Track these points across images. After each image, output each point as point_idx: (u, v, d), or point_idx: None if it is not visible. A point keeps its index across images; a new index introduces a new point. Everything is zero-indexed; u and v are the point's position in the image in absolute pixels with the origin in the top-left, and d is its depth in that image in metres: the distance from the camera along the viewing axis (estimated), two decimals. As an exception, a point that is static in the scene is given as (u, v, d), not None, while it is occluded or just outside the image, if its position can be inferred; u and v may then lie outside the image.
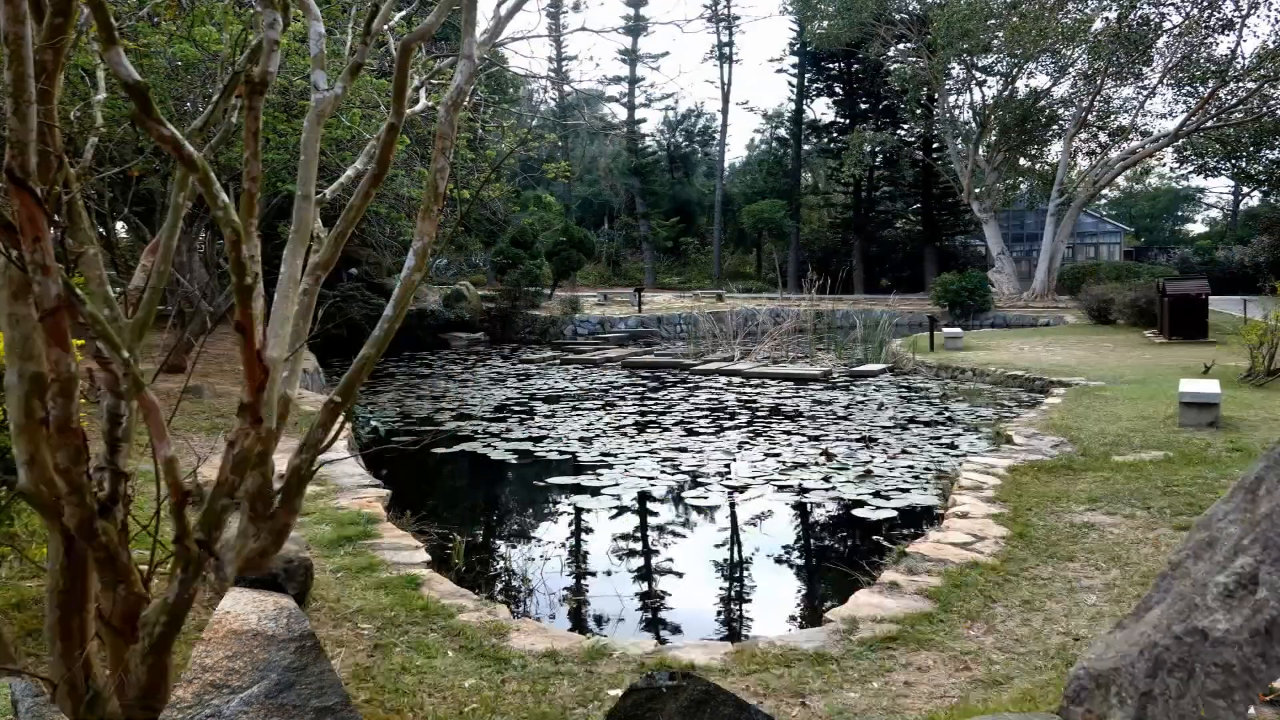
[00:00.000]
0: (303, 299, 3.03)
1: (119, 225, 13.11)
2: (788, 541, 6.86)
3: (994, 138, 31.92)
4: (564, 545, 6.74)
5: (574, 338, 25.13)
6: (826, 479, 8.13)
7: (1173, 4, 27.56)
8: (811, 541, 6.89)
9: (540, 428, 10.91)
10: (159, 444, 2.46)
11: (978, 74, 31.80)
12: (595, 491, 7.85)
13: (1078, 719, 2.34)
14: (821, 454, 9.15)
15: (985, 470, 7.22)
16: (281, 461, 2.78)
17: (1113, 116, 31.90)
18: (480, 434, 10.54)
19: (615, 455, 9.27)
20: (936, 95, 33.12)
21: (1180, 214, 60.05)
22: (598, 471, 8.56)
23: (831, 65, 41.67)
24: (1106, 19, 28.39)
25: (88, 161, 3.41)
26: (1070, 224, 31.18)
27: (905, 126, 39.80)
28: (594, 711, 3.34)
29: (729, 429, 10.76)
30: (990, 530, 5.59)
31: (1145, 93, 30.21)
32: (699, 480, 8.22)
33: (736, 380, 15.47)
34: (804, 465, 8.70)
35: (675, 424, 11.13)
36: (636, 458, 9.14)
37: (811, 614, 5.34)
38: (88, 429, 2.53)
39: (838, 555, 6.30)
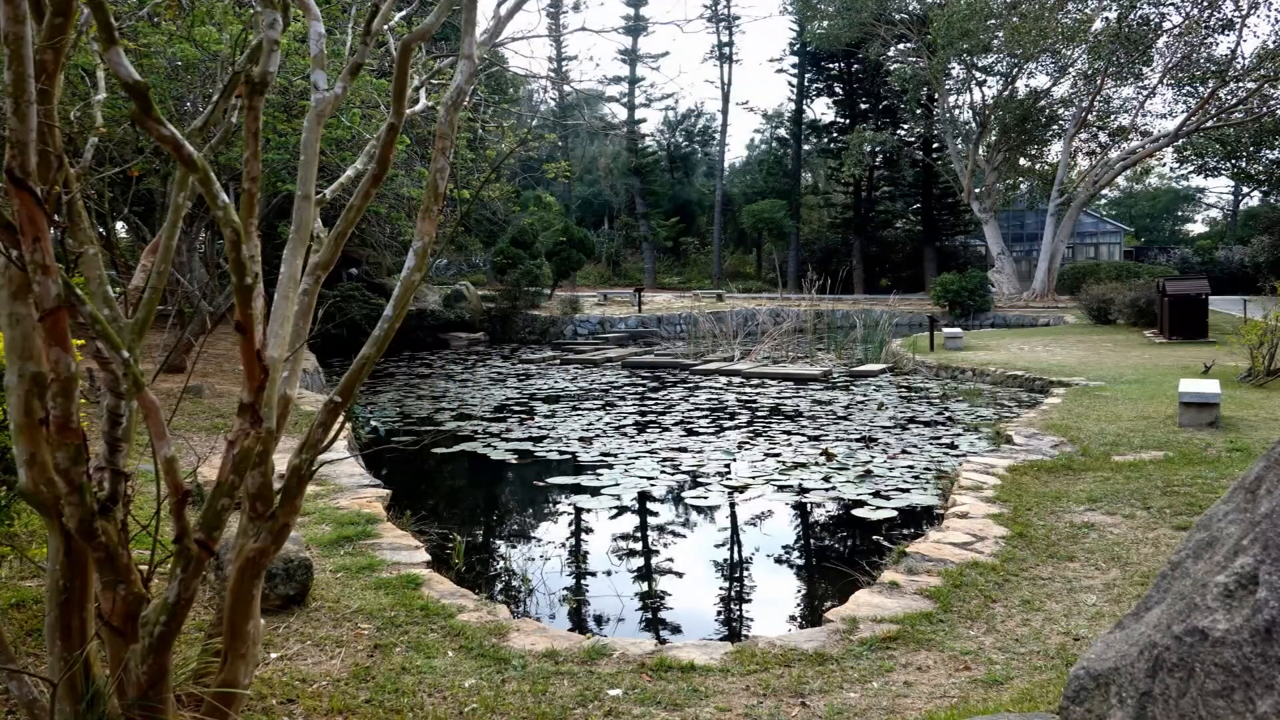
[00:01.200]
0: (303, 299, 3.03)
1: (119, 225, 13.12)
2: (788, 541, 6.86)
3: (994, 138, 31.94)
4: (564, 545, 6.74)
5: (574, 338, 25.14)
6: (826, 479, 8.13)
7: (1173, 4, 27.59)
8: (811, 541, 6.89)
9: (540, 428, 10.91)
10: (159, 444, 2.46)
11: (978, 74, 31.82)
12: (595, 491, 7.85)
13: (1077, 719, 2.34)
14: (821, 454, 9.15)
15: (985, 470, 7.22)
16: (281, 461, 2.78)
17: (1113, 116, 31.93)
18: (480, 434, 10.54)
19: (615, 455, 9.27)
20: (936, 95, 33.14)
21: (1180, 214, 60.06)
22: (598, 471, 8.56)
23: (831, 65, 41.69)
24: (1106, 19, 28.42)
25: (88, 161, 3.41)
26: (1070, 224, 31.19)
27: (905, 126, 39.82)
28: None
29: (729, 429, 10.76)
30: (990, 530, 5.59)
31: (1145, 93, 30.25)
32: (699, 480, 8.22)
33: (736, 380, 15.47)
34: (804, 465, 8.70)
35: (675, 424, 11.13)
36: (636, 458, 9.14)
37: (811, 614, 5.34)
38: (88, 429, 2.53)
39: (838, 555, 6.30)
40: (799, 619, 5.40)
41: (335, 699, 3.32)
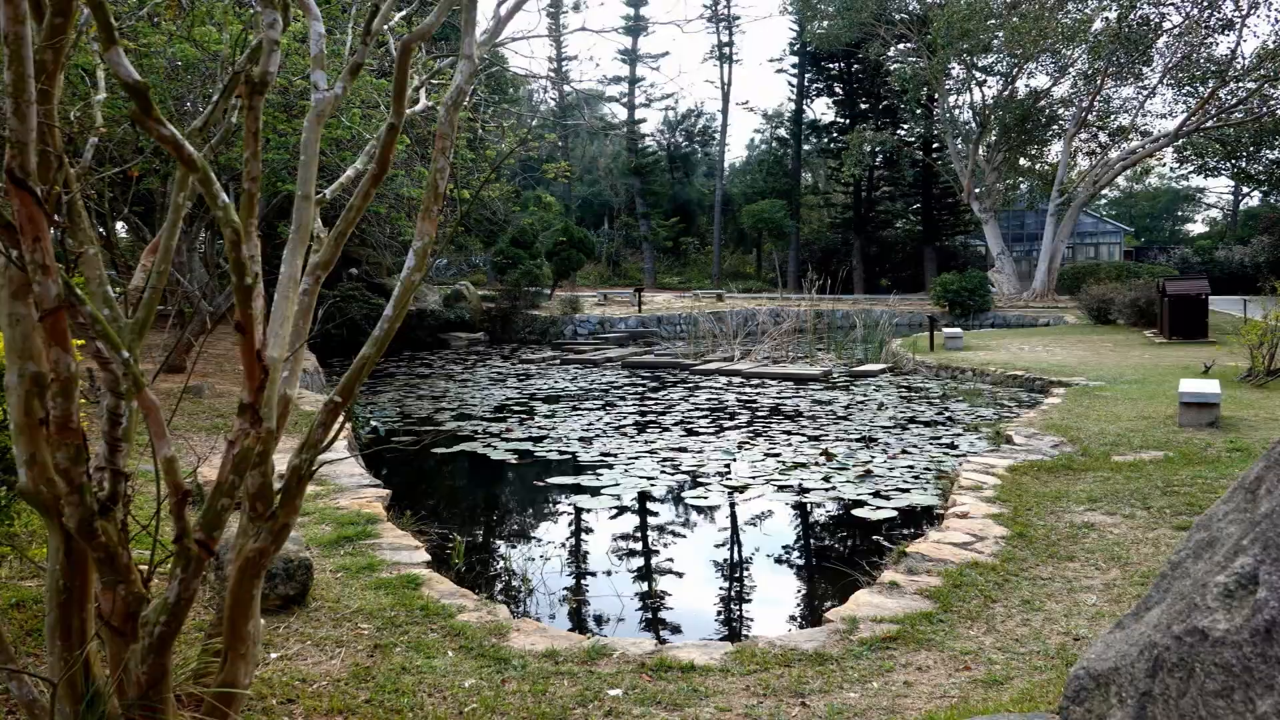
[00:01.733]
0: (303, 299, 3.03)
1: (119, 225, 13.12)
2: (788, 541, 6.86)
3: (994, 138, 31.95)
4: (564, 545, 6.74)
5: (574, 338, 25.14)
6: (826, 479, 8.13)
7: (1173, 4, 27.61)
8: (811, 541, 6.89)
9: (540, 428, 10.91)
10: (159, 444, 2.46)
11: (978, 74, 31.83)
12: (595, 491, 7.85)
13: (1078, 719, 2.34)
14: (821, 454, 9.15)
15: (985, 470, 7.22)
16: (281, 461, 2.78)
17: (1113, 116, 31.94)
18: (480, 434, 10.54)
19: (615, 455, 9.27)
20: (936, 95, 33.14)
21: (1180, 214, 60.09)
22: (598, 471, 8.55)
23: (831, 65, 41.72)
24: (1106, 19, 28.43)
25: (88, 161, 3.41)
26: (1070, 224, 31.20)
27: (905, 126, 39.84)
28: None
29: (729, 429, 10.76)
30: (990, 530, 5.59)
31: (1145, 93, 30.26)
32: (699, 480, 8.22)
33: (736, 380, 15.47)
34: (804, 465, 8.70)
35: (675, 424, 11.13)
36: (636, 458, 9.14)
37: (811, 614, 5.34)
38: (88, 429, 2.53)
39: (838, 555, 6.30)
40: (799, 619, 5.40)
41: (335, 699, 3.32)
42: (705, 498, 7.70)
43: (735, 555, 6.57)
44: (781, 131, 46.36)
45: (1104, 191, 40.53)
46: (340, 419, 2.83)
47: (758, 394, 13.74)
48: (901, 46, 34.77)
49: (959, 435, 9.97)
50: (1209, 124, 28.25)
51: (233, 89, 3.09)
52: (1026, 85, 32.41)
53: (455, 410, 12.39)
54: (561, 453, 9.47)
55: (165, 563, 2.74)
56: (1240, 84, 27.11)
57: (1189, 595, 2.13)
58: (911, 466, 8.52)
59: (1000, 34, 29.18)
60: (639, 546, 6.64)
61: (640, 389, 14.56)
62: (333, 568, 4.88)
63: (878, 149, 38.28)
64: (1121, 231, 41.37)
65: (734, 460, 9.03)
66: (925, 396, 13.10)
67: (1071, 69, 30.09)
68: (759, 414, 11.84)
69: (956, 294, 26.01)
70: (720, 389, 14.38)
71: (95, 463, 2.54)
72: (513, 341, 24.69)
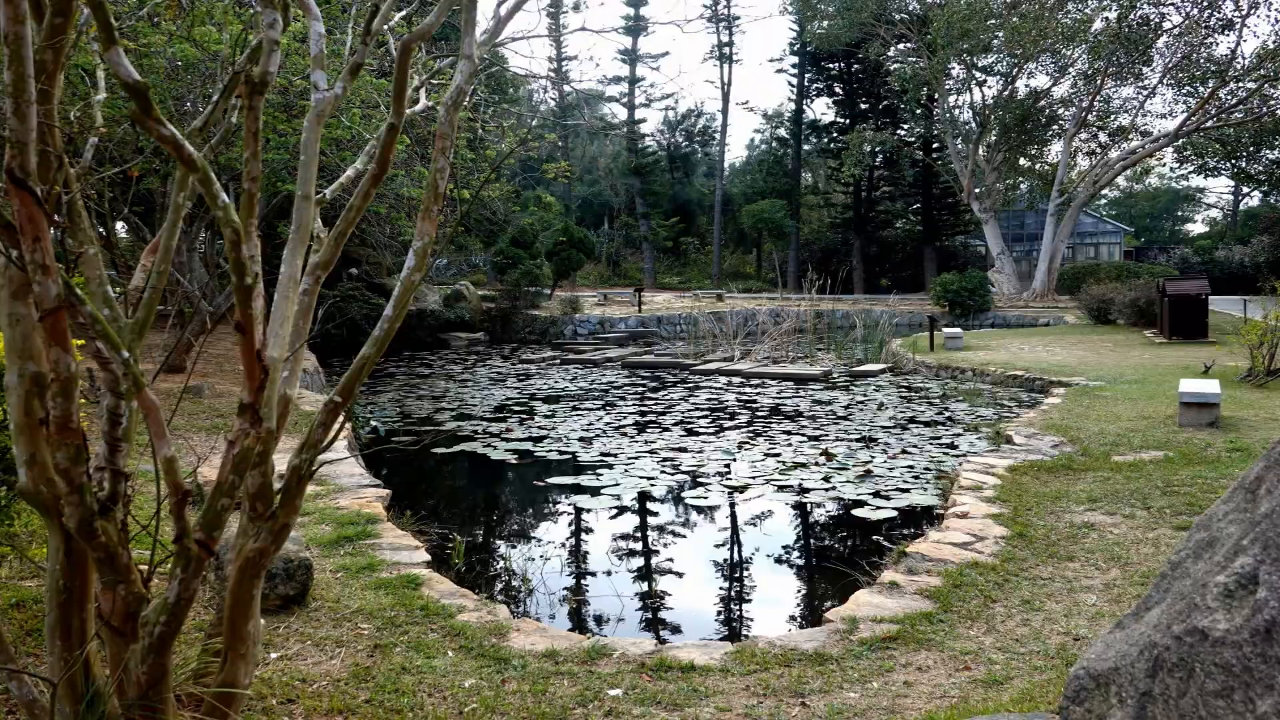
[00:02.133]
0: (303, 299, 3.03)
1: (119, 225, 13.12)
2: (788, 541, 6.86)
3: (994, 138, 31.95)
4: (564, 545, 6.74)
5: (574, 338, 25.14)
6: (826, 479, 8.13)
7: (1173, 4, 27.62)
8: (811, 541, 6.89)
9: (540, 428, 10.91)
10: (159, 444, 2.46)
11: (978, 74, 31.83)
12: (595, 491, 7.85)
13: (1078, 719, 2.34)
14: (821, 454, 9.15)
15: (985, 470, 7.22)
16: (281, 461, 2.78)
17: (1113, 116, 31.95)
18: (480, 434, 10.54)
19: (615, 455, 9.27)
20: (936, 95, 33.15)
21: (1180, 214, 60.09)
22: (598, 471, 8.55)
23: (831, 65, 41.74)
24: (1106, 19, 28.43)
25: (88, 161, 3.41)
26: (1070, 224, 31.20)
27: (905, 126, 39.85)
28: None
29: (729, 429, 10.76)
30: (990, 530, 5.59)
31: (1145, 93, 30.26)
32: (699, 480, 8.22)
33: (736, 380, 15.46)
34: (804, 465, 8.70)
35: (675, 424, 11.13)
36: (636, 458, 9.14)
37: (811, 614, 5.34)
38: (88, 429, 2.53)
39: (838, 555, 6.30)
40: (799, 619, 5.40)
41: (335, 699, 3.32)
42: (705, 498, 7.70)
43: (735, 555, 6.57)
44: (781, 131, 46.38)
45: (1104, 191, 40.56)
46: (340, 419, 2.83)
47: (758, 394, 13.74)
48: (901, 46, 34.79)
49: (959, 435, 9.97)
50: (1209, 124, 28.26)
51: (233, 89, 3.09)
52: (1026, 85, 32.47)
53: (455, 410, 12.39)
54: (561, 453, 9.47)
55: (165, 563, 2.74)
56: (1240, 84, 27.12)
57: (1189, 595, 2.13)
58: (911, 466, 8.52)
59: (1000, 34, 29.19)
60: (639, 546, 6.64)
61: (640, 389, 14.56)
62: (333, 568, 4.88)
63: (878, 149, 38.29)
64: (1121, 231, 41.37)
65: (734, 460, 9.02)
66: (925, 396, 13.10)
67: (1071, 69, 30.10)
68: (759, 414, 11.84)
69: (956, 294, 26.01)
70: (720, 389, 14.38)
71: (95, 463, 2.54)
72: (513, 341, 24.69)
